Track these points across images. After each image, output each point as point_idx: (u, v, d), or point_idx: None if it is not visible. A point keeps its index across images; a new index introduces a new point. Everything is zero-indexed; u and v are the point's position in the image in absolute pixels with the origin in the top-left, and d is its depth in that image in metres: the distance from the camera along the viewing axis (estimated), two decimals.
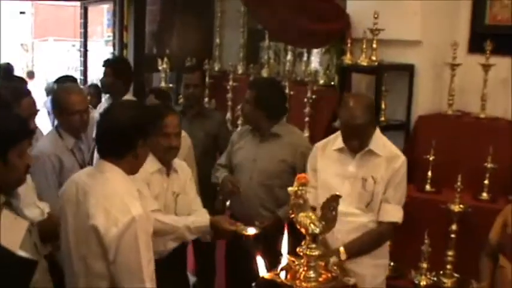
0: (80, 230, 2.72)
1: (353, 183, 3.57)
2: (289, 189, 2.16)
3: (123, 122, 2.75)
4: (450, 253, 4.29)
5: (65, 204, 2.82)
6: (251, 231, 3.62)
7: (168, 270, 3.57)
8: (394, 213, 3.55)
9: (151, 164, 3.48)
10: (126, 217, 2.59)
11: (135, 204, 2.65)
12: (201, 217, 3.65)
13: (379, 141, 3.63)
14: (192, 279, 5.37)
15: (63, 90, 4.19)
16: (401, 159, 3.61)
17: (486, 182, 4.52)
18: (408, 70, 4.99)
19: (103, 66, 5.61)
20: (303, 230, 2.14)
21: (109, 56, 7.68)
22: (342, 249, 3.43)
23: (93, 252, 2.66)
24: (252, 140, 4.20)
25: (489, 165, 4.49)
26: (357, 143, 3.53)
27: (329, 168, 3.67)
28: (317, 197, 3.34)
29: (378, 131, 3.66)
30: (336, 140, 3.69)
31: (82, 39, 8.26)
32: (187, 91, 5.14)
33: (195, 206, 3.79)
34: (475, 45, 5.08)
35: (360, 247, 3.51)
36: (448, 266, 4.31)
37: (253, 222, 3.79)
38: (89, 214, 2.65)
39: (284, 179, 3.89)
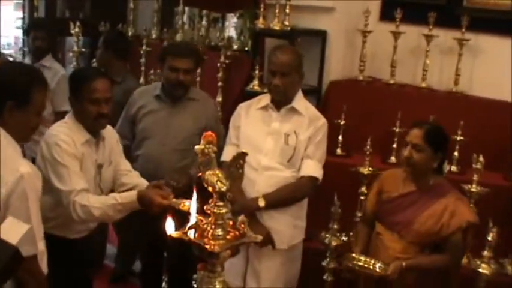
0: None
1: (276, 139, 3.63)
2: (196, 147, 2.14)
3: None
4: (360, 214, 4.41)
5: None
6: (188, 204, 3.45)
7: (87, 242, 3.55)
8: (314, 169, 3.62)
9: (79, 136, 3.29)
10: (14, 175, 2.48)
11: (22, 162, 2.55)
12: (127, 192, 3.33)
13: (302, 102, 3.72)
14: (111, 249, 5.35)
15: None
16: (323, 120, 3.71)
17: (394, 146, 4.66)
18: (321, 36, 5.05)
19: (30, 29, 5.53)
20: (210, 188, 2.14)
21: (19, 20, 7.43)
22: (260, 197, 3.53)
23: None
24: (162, 105, 4.09)
25: (397, 130, 4.63)
26: (279, 82, 3.57)
27: (252, 125, 3.71)
28: None
29: (301, 93, 3.75)
30: (260, 100, 3.76)
31: None
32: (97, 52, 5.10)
33: (126, 166, 3.63)
34: (386, 13, 5.21)
35: (279, 197, 3.59)
36: None
37: (169, 183, 3.70)
38: None
39: (198, 143, 3.85)
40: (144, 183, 3.48)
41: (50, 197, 3.24)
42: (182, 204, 3.00)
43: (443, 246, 3.33)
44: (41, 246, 2.58)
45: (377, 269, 3.25)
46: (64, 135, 3.25)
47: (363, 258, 3.33)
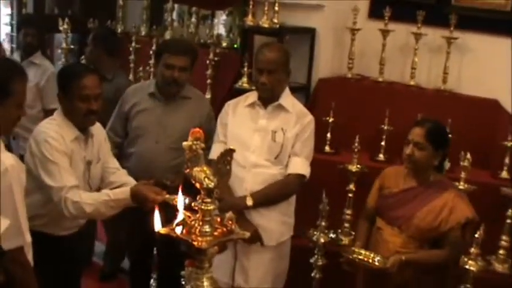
0: None
1: (263, 136, 3.63)
2: (184, 143, 2.15)
3: None
4: (348, 212, 4.44)
5: None
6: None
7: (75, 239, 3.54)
8: (301, 166, 3.63)
9: (68, 133, 3.28)
10: None
11: (6, 155, 2.54)
12: (120, 189, 3.33)
13: (289, 100, 3.72)
14: (100, 246, 5.34)
15: None
16: (310, 117, 3.71)
17: (383, 143, 4.68)
18: (310, 33, 5.05)
19: (20, 25, 5.55)
20: (197, 185, 2.14)
21: (7, 16, 7.40)
22: (248, 196, 3.54)
23: None
24: (156, 103, 4.07)
25: (386, 128, 4.65)
26: (266, 80, 3.58)
27: (240, 122, 3.71)
28: None
29: (288, 90, 3.76)
30: (248, 98, 3.76)
31: None
32: (87, 49, 5.07)
33: (114, 164, 3.61)
34: (375, 11, 5.23)
35: (266, 195, 3.59)
36: (346, 224, 4.46)
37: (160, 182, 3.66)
38: None
39: None
40: (131, 181, 3.45)
41: (40, 194, 3.24)
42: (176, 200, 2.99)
43: (442, 242, 3.38)
44: (28, 237, 2.57)
45: (376, 263, 3.29)
46: (53, 132, 3.24)
47: (363, 251, 3.37)
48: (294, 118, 3.64)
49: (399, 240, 3.41)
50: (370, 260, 3.32)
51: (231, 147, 2.22)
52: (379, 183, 3.65)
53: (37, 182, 3.21)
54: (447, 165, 3.85)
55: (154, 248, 4.35)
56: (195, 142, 2.13)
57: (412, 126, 3.46)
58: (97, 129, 3.51)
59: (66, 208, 3.17)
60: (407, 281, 3.34)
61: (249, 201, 3.53)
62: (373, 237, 3.60)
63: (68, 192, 3.17)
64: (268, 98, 3.65)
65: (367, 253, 3.35)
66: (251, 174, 3.59)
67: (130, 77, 5.89)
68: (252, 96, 3.72)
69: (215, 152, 3.60)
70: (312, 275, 4.10)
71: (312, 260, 4.12)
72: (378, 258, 3.29)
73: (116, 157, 3.74)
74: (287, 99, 3.69)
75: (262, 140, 3.62)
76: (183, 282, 2.24)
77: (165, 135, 4.00)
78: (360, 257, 3.35)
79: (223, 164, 2.13)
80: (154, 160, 3.95)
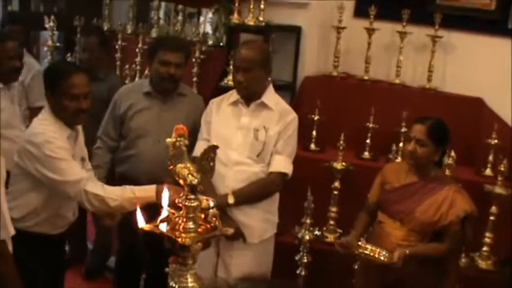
0: None
1: (245, 134, 3.62)
2: (167, 140, 2.15)
3: None
4: (333, 209, 4.46)
5: None
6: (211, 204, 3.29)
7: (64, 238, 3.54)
8: (284, 165, 3.62)
9: (61, 132, 3.26)
10: None
11: None
12: (144, 187, 3.30)
13: (272, 97, 3.70)
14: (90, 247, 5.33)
15: None
16: (293, 115, 3.69)
17: (368, 141, 4.71)
18: (295, 32, 5.06)
19: (6, 23, 5.50)
20: (181, 181, 2.15)
21: None
22: (230, 194, 3.53)
23: None
24: (153, 101, 4.02)
25: (371, 125, 4.67)
26: (242, 78, 3.56)
27: (223, 120, 3.69)
28: None
29: (272, 88, 3.74)
30: (231, 96, 3.74)
31: None
32: (83, 55, 5.01)
33: (88, 165, 3.58)
34: (360, 10, 5.25)
35: (248, 193, 3.58)
36: (331, 222, 4.48)
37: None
38: None
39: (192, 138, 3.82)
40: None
41: (37, 193, 3.25)
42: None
43: (442, 235, 3.44)
44: (11, 230, 2.57)
45: (382, 257, 3.33)
46: (51, 132, 3.21)
47: (369, 246, 3.40)
48: (277, 116, 3.63)
49: (401, 234, 3.47)
50: (376, 255, 3.35)
51: (214, 143, 2.22)
52: (380, 178, 3.69)
53: (33, 182, 3.21)
54: (446, 160, 3.93)
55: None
56: (178, 139, 2.13)
57: (413, 123, 3.53)
58: (80, 126, 3.50)
59: (88, 201, 3.20)
60: (409, 274, 3.38)
61: (231, 199, 3.52)
62: (375, 230, 3.67)
63: (86, 184, 3.19)
64: (250, 96, 3.64)
65: (373, 248, 3.38)
66: (233, 172, 3.59)
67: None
68: (235, 94, 3.71)
69: (199, 150, 3.58)
70: (298, 272, 4.13)
71: (297, 258, 4.15)
72: (384, 253, 3.33)
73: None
74: (270, 97, 3.68)
75: (245, 138, 3.61)
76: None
77: (165, 133, 3.95)
78: (366, 251, 3.38)
79: (206, 161, 2.13)
80: (156, 160, 3.83)
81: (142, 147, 3.98)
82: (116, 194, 3.23)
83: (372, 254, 3.37)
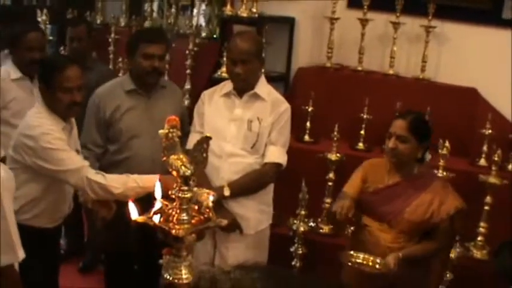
0: None
1: (239, 125, 3.61)
2: (160, 131, 2.14)
3: None
4: (328, 200, 4.45)
5: None
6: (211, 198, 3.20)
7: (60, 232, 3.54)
8: (278, 155, 3.61)
9: (57, 124, 3.25)
10: None
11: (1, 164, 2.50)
12: (147, 176, 3.27)
13: (265, 88, 3.68)
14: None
15: None
16: (286, 105, 3.68)
17: (362, 132, 4.70)
18: (289, 23, 5.07)
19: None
20: (174, 173, 2.13)
21: None
22: (225, 186, 3.52)
23: None
24: (139, 99, 3.86)
25: (365, 116, 4.67)
26: (240, 70, 3.54)
27: (216, 112, 3.68)
28: None
29: (264, 79, 3.72)
30: (223, 87, 3.72)
31: None
32: (72, 45, 4.97)
33: None
34: (354, 1, 5.23)
35: (244, 185, 3.57)
36: (326, 213, 4.48)
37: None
38: None
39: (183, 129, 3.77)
40: None
41: (37, 183, 3.25)
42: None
43: (432, 233, 3.36)
44: (21, 254, 2.50)
45: (378, 266, 3.25)
46: (47, 124, 3.22)
47: (361, 255, 3.31)
48: (270, 107, 3.62)
49: (389, 236, 3.37)
50: (371, 263, 3.27)
51: (208, 134, 2.20)
52: (361, 175, 3.53)
53: (32, 173, 3.21)
54: (428, 156, 3.81)
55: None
56: (171, 130, 2.12)
57: (394, 119, 3.41)
58: (73, 119, 3.48)
59: (91, 189, 3.22)
60: (399, 277, 3.27)
61: (226, 191, 3.51)
62: (360, 236, 3.52)
63: (87, 171, 3.21)
64: (243, 88, 3.63)
65: (366, 256, 3.30)
66: (227, 164, 3.58)
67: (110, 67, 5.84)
68: (228, 86, 3.68)
69: (192, 142, 3.56)
70: (292, 263, 4.13)
71: (292, 249, 4.15)
72: (378, 261, 3.25)
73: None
74: (262, 87, 3.67)
75: (238, 129, 3.60)
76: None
77: (158, 129, 3.88)
78: (359, 260, 3.30)
79: (199, 152, 2.12)
80: (154, 157, 3.63)
81: (138, 147, 3.80)
82: (119, 183, 3.26)
83: (365, 262, 3.28)
